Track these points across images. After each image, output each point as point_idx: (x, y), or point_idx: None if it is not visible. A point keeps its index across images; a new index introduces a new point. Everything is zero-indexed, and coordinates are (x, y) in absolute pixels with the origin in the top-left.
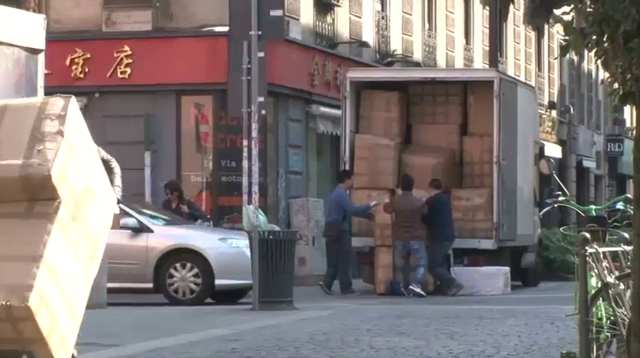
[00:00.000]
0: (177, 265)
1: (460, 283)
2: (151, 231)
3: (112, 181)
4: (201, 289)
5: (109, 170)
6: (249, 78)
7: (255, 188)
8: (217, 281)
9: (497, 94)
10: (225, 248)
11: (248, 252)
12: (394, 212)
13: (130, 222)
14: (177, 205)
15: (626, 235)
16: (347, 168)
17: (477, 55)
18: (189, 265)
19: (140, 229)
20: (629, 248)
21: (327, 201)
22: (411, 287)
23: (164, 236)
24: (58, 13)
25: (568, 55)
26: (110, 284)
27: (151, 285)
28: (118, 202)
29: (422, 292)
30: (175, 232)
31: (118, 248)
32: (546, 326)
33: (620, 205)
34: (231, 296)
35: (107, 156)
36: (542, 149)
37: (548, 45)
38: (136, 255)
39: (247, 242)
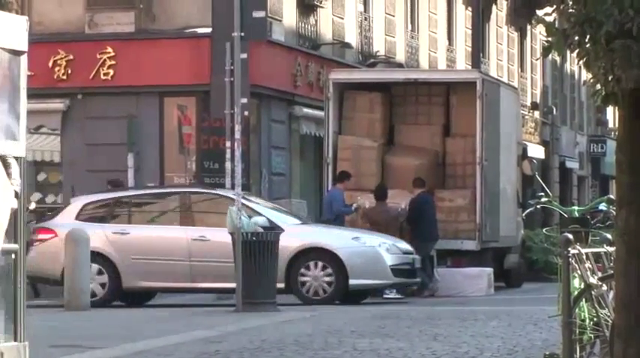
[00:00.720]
0: (310, 264)
1: (434, 286)
2: (281, 230)
3: (9, 175)
4: (334, 289)
5: (6, 164)
6: (231, 79)
7: (239, 189)
8: (351, 281)
9: (480, 95)
10: (358, 247)
11: (382, 251)
12: (369, 223)
13: (260, 221)
14: None
15: (609, 236)
16: (330, 169)
17: (459, 56)
18: (321, 264)
19: (271, 228)
20: (611, 249)
21: (323, 200)
22: (385, 295)
23: (296, 235)
24: (40, 15)
25: (550, 56)
26: None
27: (282, 285)
28: (16, 195)
29: (398, 295)
30: (307, 231)
31: None
32: (529, 327)
33: (602, 206)
34: (354, 296)
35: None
36: (525, 150)
37: (531, 46)
38: None
39: (381, 240)
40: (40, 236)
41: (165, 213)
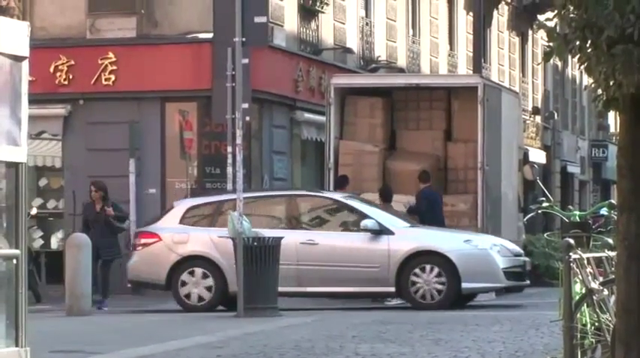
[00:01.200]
0: (422, 268)
1: None
2: (391, 233)
3: None
4: (445, 293)
5: None
6: (233, 84)
7: (240, 195)
8: (464, 285)
9: (482, 100)
10: (470, 249)
11: (494, 254)
12: None
13: (370, 224)
14: (102, 207)
15: (610, 241)
16: (331, 174)
17: (460, 61)
18: (432, 268)
19: (380, 231)
20: (613, 254)
21: None
22: (386, 302)
23: (406, 238)
24: (42, 20)
25: (552, 61)
26: (350, 289)
27: (393, 289)
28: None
29: (399, 301)
30: (417, 234)
31: (357, 251)
32: (531, 332)
33: (604, 211)
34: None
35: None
36: (526, 155)
37: (532, 51)
38: (377, 258)
39: (493, 242)
40: (143, 240)
41: (271, 216)
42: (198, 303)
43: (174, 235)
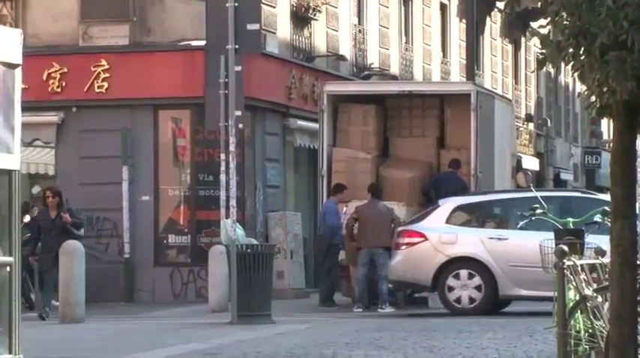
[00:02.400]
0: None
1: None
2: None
3: None
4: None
5: None
6: (226, 92)
7: (233, 202)
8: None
9: (475, 107)
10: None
11: None
12: (359, 219)
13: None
14: (57, 213)
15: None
16: (324, 181)
17: (453, 68)
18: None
19: None
20: (606, 260)
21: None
22: (379, 310)
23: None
24: (34, 28)
25: (545, 68)
26: None
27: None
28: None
29: (392, 309)
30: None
31: None
32: (525, 339)
33: (597, 218)
34: None
35: None
36: (519, 162)
37: (525, 58)
38: None
39: None
40: (408, 239)
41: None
42: (469, 305)
43: (442, 235)
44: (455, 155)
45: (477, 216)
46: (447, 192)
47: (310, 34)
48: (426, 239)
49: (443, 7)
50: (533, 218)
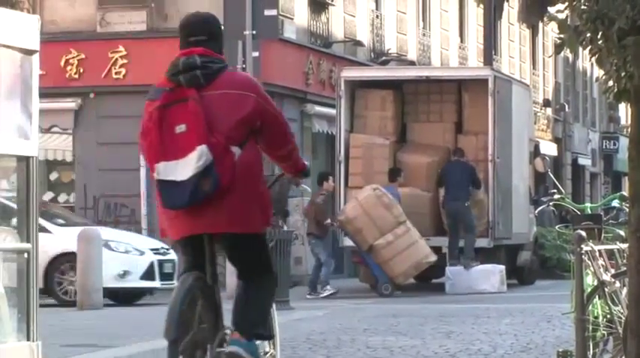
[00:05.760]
0: None
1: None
2: None
3: None
4: None
5: None
6: None
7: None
8: None
9: (492, 92)
10: None
11: None
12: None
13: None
14: None
15: (622, 233)
16: (342, 167)
17: (471, 54)
18: None
19: None
20: (624, 246)
21: None
22: (321, 294)
23: None
24: (52, 14)
25: (562, 53)
26: None
27: None
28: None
29: (332, 291)
30: None
31: None
32: (543, 324)
33: (615, 203)
34: None
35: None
36: (537, 147)
37: (543, 43)
38: None
39: None
40: None
41: None
42: None
43: None
44: (473, 140)
45: None
46: (456, 180)
47: (328, 19)
48: None
49: None
50: (550, 203)
